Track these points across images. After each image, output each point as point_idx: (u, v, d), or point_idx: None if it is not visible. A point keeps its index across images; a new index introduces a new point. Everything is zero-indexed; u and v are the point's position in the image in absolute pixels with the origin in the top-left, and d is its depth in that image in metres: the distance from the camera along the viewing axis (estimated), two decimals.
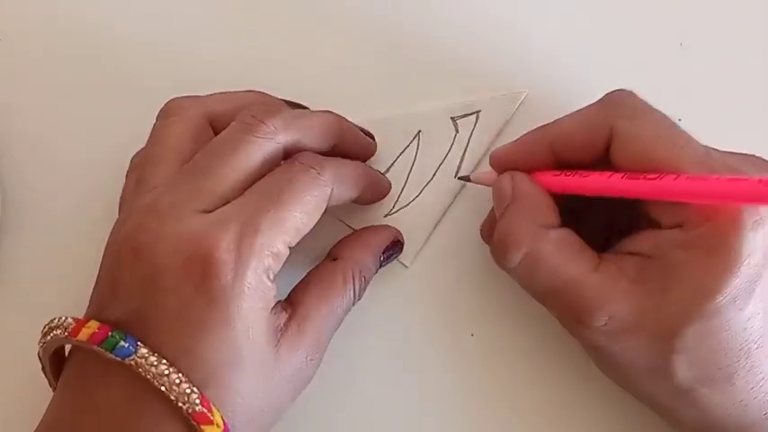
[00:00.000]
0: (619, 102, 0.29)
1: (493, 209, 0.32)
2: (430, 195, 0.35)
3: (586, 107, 0.30)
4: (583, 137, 0.29)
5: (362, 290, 0.32)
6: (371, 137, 0.35)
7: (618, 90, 0.30)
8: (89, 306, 0.29)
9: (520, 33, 0.36)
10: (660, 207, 0.28)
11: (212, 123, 0.31)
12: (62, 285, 0.34)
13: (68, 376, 0.28)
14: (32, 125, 0.36)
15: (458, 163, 0.35)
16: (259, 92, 0.33)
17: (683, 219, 0.27)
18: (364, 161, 0.34)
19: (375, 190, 0.34)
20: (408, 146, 0.35)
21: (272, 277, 0.28)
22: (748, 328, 0.27)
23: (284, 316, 0.29)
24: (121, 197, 0.32)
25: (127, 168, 0.32)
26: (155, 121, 0.31)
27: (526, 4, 0.37)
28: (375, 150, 0.35)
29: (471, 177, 0.34)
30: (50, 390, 0.29)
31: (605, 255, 0.29)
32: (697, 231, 0.26)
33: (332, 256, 0.32)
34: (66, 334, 0.27)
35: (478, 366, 0.33)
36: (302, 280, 0.31)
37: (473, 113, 0.35)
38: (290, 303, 0.29)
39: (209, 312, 0.26)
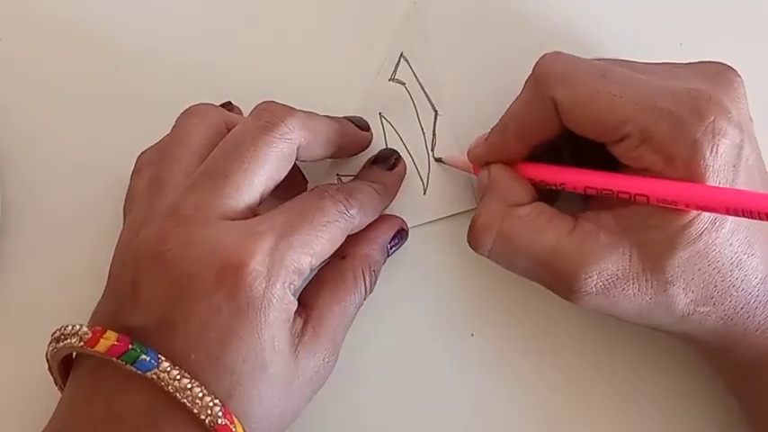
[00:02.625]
0: (547, 72, 0.29)
1: None
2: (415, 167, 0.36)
3: (524, 88, 0.30)
4: (534, 119, 0.30)
5: (373, 284, 0.32)
6: (367, 128, 0.35)
7: (543, 57, 0.30)
8: (100, 311, 0.29)
9: (517, 31, 0.36)
10: (623, 152, 0.28)
11: (230, 130, 0.31)
12: (62, 287, 0.34)
13: (80, 383, 0.28)
14: (33, 126, 0.36)
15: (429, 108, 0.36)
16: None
17: (646, 165, 0.27)
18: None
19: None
20: (385, 134, 0.36)
21: (294, 292, 0.28)
22: (733, 241, 0.28)
23: (300, 322, 0.29)
24: (130, 196, 0.31)
25: (129, 170, 0.32)
26: (174, 121, 0.31)
27: (526, 3, 0.37)
28: (371, 141, 0.35)
29: (444, 159, 0.35)
30: (51, 391, 0.29)
31: (582, 215, 0.30)
32: (665, 171, 0.27)
33: (340, 255, 0.32)
34: (81, 343, 0.26)
35: (478, 366, 0.34)
36: (312, 281, 0.31)
37: (399, 58, 0.36)
38: (303, 307, 0.30)
39: (238, 321, 0.26)
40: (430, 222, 0.35)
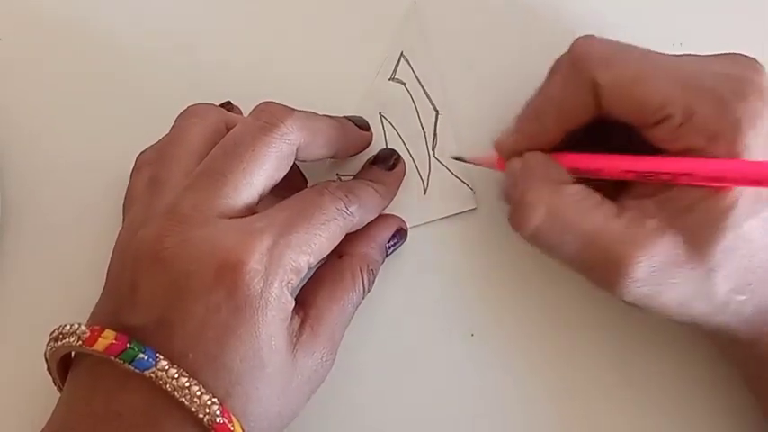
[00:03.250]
0: (587, 53, 0.29)
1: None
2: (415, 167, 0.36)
3: (557, 70, 0.30)
4: (573, 103, 0.29)
5: (371, 283, 0.32)
6: (367, 127, 0.35)
7: (578, 40, 0.29)
8: (99, 310, 0.29)
9: (518, 31, 0.36)
10: (663, 134, 0.28)
11: (230, 130, 0.31)
12: (62, 287, 0.34)
13: (79, 382, 0.28)
14: (33, 126, 0.36)
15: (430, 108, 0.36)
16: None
17: (687, 145, 0.27)
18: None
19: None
20: (385, 134, 0.36)
21: (291, 291, 0.28)
22: None
23: (297, 321, 0.29)
24: (129, 196, 0.32)
25: (128, 170, 0.32)
26: (173, 121, 0.31)
27: (526, 3, 0.37)
28: (371, 141, 0.35)
29: (465, 158, 0.34)
30: (50, 391, 0.29)
31: (623, 202, 0.29)
32: (707, 150, 0.27)
33: (338, 253, 0.32)
34: (80, 342, 0.26)
35: (478, 366, 0.34)
36: (310, 279, 0.31)
37: (399, 57, 0.36)
38: (302, 306, 0.30)
39: (236, 320, 0.26)
40: (430, 222, 0.35)
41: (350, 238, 0.32)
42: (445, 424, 0.34)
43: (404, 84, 0.36)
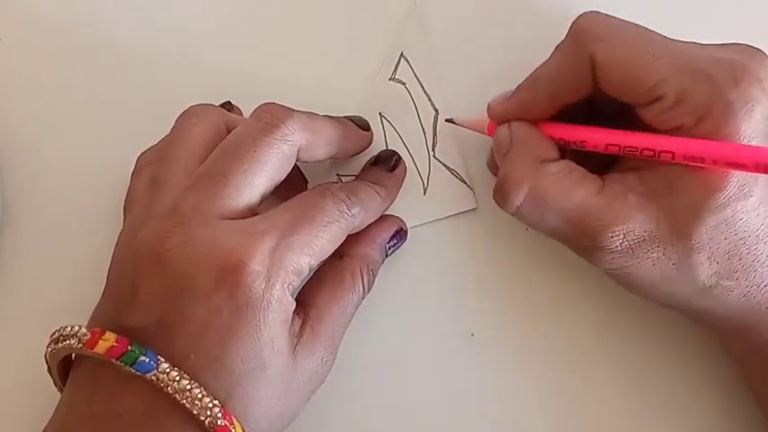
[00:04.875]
0: (588, 28, 0.29)
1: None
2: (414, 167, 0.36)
3: (561, 43, 0.30)
4: (569, 77, 0.30)
5: (371, 284, 0.32)
6: (367, 127, 0.35)
7: (582, 15, 0.29)
8: (99, 312, 0.29)
9: (518, 30, 0.36)
10: (654, 114, 0.28)
11: (230, 131, 0.31)
12: (62, 288, 0.34)
13: (79, 383, 0.28)
14: (32, 127, 0.36)
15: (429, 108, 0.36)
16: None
17: (679, 122, 0.27)
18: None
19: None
20: (385, 134, 0.36)
21: (292, 293, 0.28)
22: (761, 212, 0.28)
23: (298, 322, 0.29)
24: (129, 197, 0.32)
25: (128, 171, 0.32)
26: (174, 121, 0.31)
27: (526, 2, 0.37)
28: (371, 141, 0.35)
29: (456, 119, 0.34)
30: (50, 392, 0.29)
31: (609, 176, 0.30)
32: (695, 131, 0.27)
33: (338, 254, 0.32)
34: (80, 345, 0.26)
35: (478, 366, 0.34)
36: (310, 280, 0.31)
37: (399, 58, 0.36)
38: (302, 307, 0.30)
39: (238, 321, 0.26)
40: (430, 222, 0.35)
41: (350, 239, 0.32)
42: (445, 424, 0.34)
43: (404, 84, 0.36)
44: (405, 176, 0.34)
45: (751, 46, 0.29)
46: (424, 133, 0.36)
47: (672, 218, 0.28)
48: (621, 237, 0.28)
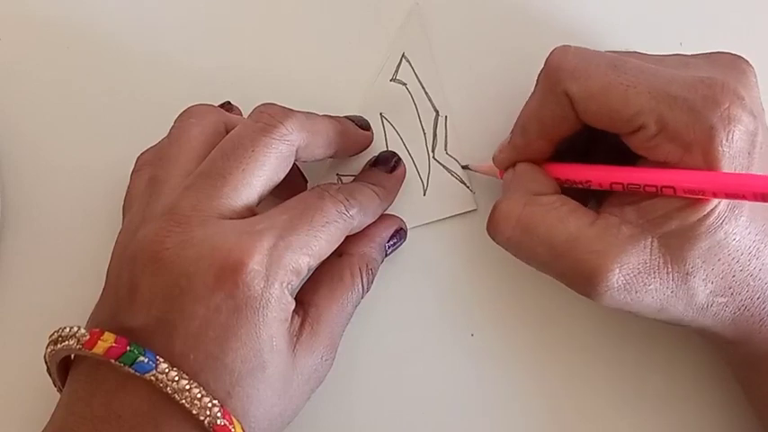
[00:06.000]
0: (558, 66, 0.29)
1: None
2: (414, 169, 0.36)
3: (537, 82, 0.30)
4: (551, 114, 0.29)
5: (370, 283, 0.32)
6: (368, 127, 0.35)
7: (553, 52, 0.29)
8: (98, 312, 0.29)
9: (519, 32, 0.36)
10: (640, 142, 0.28)
11: (229, 131, 0.30)
12: (62, 288, 0.34)
13: (79, 384, 0.28)
14: (32, 127, 0.36)
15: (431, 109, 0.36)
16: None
17: (664, 155, 0.27)
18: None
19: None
20: (385, 134, 0.36)
21: (291, 292, 0.28)
22: (751, 230, 0.28)
23: (297, 321, 0.29)
24: (128, 197, 0.32)
25: (128, 171, 0.32)
26: (173, 122, 0.31)
27: (528, 4, 0.37)
28: (372, 140, 0.35)
29: (471, 166, 0.35)
30: (50, 392, 0.29)
31: (604, 209, 0.29)
32: (684, 161, 0.27)
33: (337, 252, 0.32)
34: (79, 345, 0.26)
35: (478, 366, 0.34)
36: (309, 279, 0.31)
37: (400, 58, 0.36)
38: (301, 306, 0.30)
39: (237, 320, 0.26)
40: (429, 223, 0.35)
41: (349, 238, 0.32)
42: (445, 424, 0.34)
43: (405, 85, 0.36)
44: (404, 178, 0.34)
45: (733, 54, 0.29)
46: (425, 134, 0.36)
47: (666, 246, 0.28)
48: (617, 272, 0.28)
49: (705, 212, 0.27)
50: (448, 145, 0.35)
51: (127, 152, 0.32)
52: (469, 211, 0.35)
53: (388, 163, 0.34)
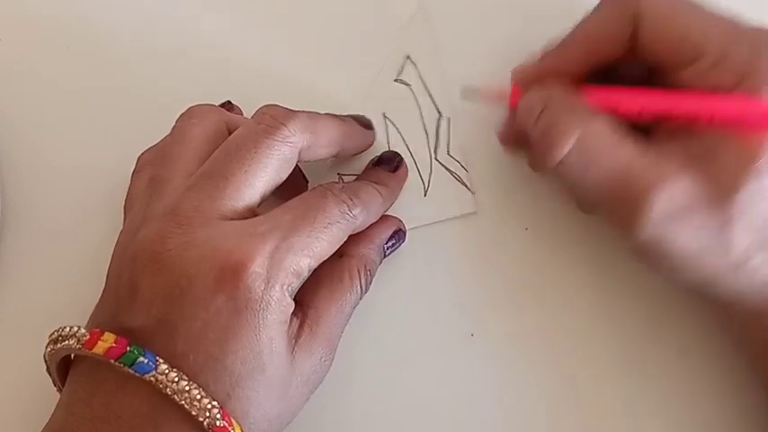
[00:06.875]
0: None
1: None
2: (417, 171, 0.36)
3: (603, 1, 0.30)
4: (608, 32, 0.29)
5: (369, 284, 0.32)
6: (370, 126, 0.35)
7: None
8: (99, 312, 0.29)
9: (523, 34, 0.36)
10: (691, 75, 0.28)
11: (231, 131, 0.31)
12: (62, 288, 0.34)
13: (78, 384, 0.28)
14: (33, 127, 0.36)
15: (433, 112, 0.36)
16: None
17: (715, 83, 0.27)
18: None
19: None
20: (387, 134, 0.36)
21: (291, 294, 0.28)
22: None
23: (296, 322, 0.29)
24: (129, 196, 0.32)
25: (129, 171, 0.32)
26: (174, 122, 0.31)
27: (532, 6, 0.37)
28: (374, 139, 0.35)
29: (475, 90, 0.32)
30: (50, 392, 0.29)
31: (651, 142, 0.29)
32: (734, 91, 0.27)
33: (336, 253, 0.32)
34: (79, 345, 0.26)
35: (478, 366, 0.34)
36: (308, 280, 0.31)
37: (405, 59, 0.36)
38: (300, 307, 0.30)
39: (237, 322, 0.26)
40: (429, 224, 0.35)
41: (348, 239, 0.32)
42: (445, 424, 0.34)
43: (408, 85, 0.36)
44: (406, 178, 0.34)
45: None
46: (427, 135, 0.36)
47: (713, 183, 0.27)
48: (664, 202, 0.27)
49: (754, 151, 0.27)
50: (450, 147, 0.35)
51: (127, 152, 0.32)
52: (470, 213, 0.35)
53: (392, 162, 0.34)
